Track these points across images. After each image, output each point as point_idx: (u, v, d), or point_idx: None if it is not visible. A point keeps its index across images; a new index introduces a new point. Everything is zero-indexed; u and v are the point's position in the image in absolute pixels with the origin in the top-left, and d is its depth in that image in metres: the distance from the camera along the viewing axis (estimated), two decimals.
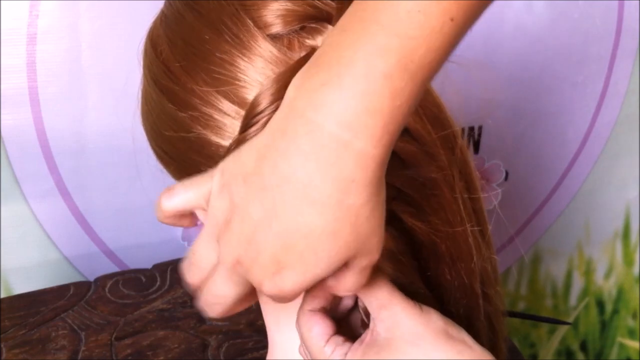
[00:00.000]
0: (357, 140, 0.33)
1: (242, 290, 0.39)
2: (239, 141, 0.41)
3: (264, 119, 0.41)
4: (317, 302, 0.44)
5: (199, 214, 0.50)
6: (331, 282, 0.39)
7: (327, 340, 0.43)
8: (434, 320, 0.42)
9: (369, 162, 0.34)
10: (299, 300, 0.47)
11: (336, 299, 0.46)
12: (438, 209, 0.44)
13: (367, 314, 0.45)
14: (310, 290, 0.44)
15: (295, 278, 0.37)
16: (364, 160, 0.34)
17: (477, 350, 0.41)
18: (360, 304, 0.45)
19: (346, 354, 0.43)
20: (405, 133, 0.42)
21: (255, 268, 0.37)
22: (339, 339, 0.43)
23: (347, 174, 0.34)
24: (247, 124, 0.41)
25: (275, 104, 0.40)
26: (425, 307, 0.42)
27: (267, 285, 0.37)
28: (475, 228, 0.47)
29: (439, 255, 0.45)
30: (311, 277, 0.37)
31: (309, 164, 0.34)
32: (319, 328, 0.43)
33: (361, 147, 0.33)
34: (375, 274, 0.43)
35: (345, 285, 0.39)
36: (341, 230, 0.35)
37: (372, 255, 0.38)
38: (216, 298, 0.40)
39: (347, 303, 0.47)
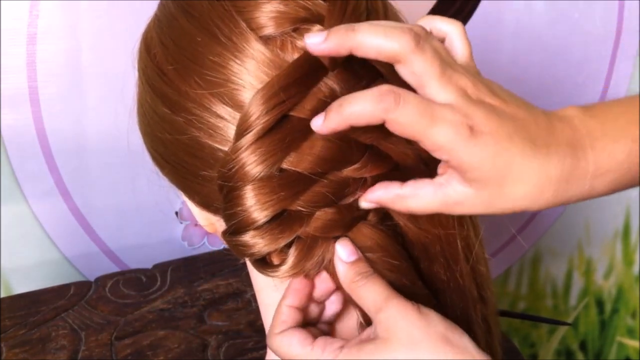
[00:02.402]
0: None
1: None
2: (235, 149, 0.41)
3: (258, 127, 0.41)
4: (287, 325, 0.44)
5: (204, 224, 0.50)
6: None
7: (312, 343, 0.43)
8: (434, 323, 0.41)
9: None
10: None
11: (319, 308, 0.47)
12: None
13: (365, 317, 0.45)
14: (278, 315, 0.45)
15: None
16: None
17: (477, 356, 0.41)
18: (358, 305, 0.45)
19: (341, 347, 0.42)
20: (401, 137, 0.42)
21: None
22: (325, 338, 0.43)
23: None
24: (241, 131, 0.41)
25: (268, 111, 0.40)
26: (424, 310, 0.42)
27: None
28: (470, 231, 0.47)
29: (432, 257, 0.45)
30: None
31: None
32: (298, 338, 0.43)
33: None
34: (370, 276, 0.43)
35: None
36: None
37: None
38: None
39: (334, 309, 0.47)
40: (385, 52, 0.39)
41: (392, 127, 0.39)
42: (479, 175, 0.39)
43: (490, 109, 0.40)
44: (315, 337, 0.43)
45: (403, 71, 0.40)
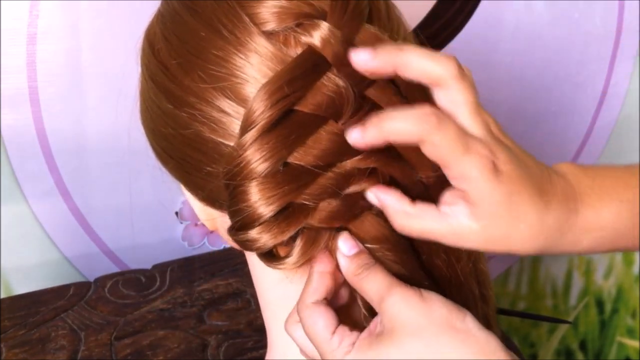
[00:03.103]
0: None
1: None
2: (240, 145, 0.41)
3: (263, 122, 0.41)
4: (318, 293, 0.44)
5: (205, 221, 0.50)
6: None
7: (333, 332, 0.43)
8: (436, 308, 0.41)
9: None
10: (297, 296, 0.47)
11: (335, 290, 0.46)
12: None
13: (367, 307, 0.45)
14: (310, 282, 0.45)
15: None
16: None
17: (481, 337, 0.41)
18: (359, 295, 0.45)
19: (354, 343, 0.42)
20: None
21: None
22: (344, 329, 0.43)
23: None
24: (246, 127, 0.41)
25: (272, 105, 0.41)
26: (426, 294, 0.42)
27: None
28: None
29: (433, 251, 0.46)
30: None
31: None
32: (324, 320, 0.43)
33: None
34: (372, 267, 0.43)
35: None
36: None
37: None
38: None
39: (343, 294, 0.47)
40: (429, 75, 0.41)
41: (426, 147, 0.40)
42: (489, 212, 0.41)
43: (508, 150, 0.42)
44: (338, 321, 0.44)
45: (441, 96, 0.41)
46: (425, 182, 0.43)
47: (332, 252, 0.45)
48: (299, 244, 0.43)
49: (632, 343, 1.52)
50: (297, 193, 0.42)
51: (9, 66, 0.86)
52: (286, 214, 0.42)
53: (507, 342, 0.54)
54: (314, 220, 0.43)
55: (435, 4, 1.06)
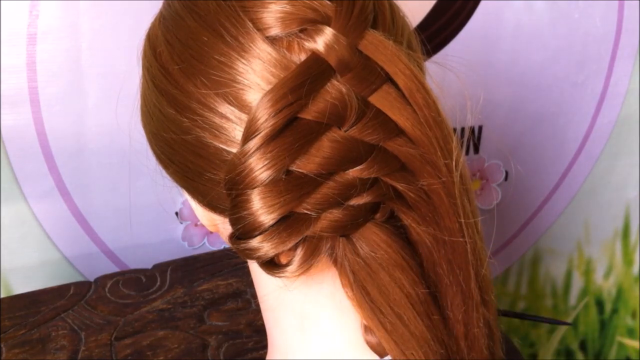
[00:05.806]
0: None
1: None
2: (242, 153, 0.41)
3: (266, 130, 0.40)
4: None
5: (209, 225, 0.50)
6: None
7: None
8: None
9: None
10: (298, 300, 0.47)
11: None
12: (436, 215, 0.44)
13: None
14: None
15: None
16: None
17: None
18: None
19: None
20: (405, 136, 0.42)
21: None
22: None
23: None
24: (249, 135, 0.41)
25: (276, 114, 0.40)
26: None
27: None
28: (476, 237, 0.47)
29: (435, 260, 0.45)
30: None
31: None
32: None
33: None
34: None
35: None
36: None
37: None
38: None
39: None
40: None
41: None
42: None
43: None
44: None
45: None
46: (427, 190, 0.43)
47: (336, 261, 0.45)
48: (299, 253, 0.43)
49: (632, 343, 1.52)
50: (299, 202, 0.41)
51: (9, 66, 0.86)
52: (287, 224, 0.42)
53: (506, 342, 0.54)
54: (316, 230, 0.42)
55: (435, 4, 1.06)
